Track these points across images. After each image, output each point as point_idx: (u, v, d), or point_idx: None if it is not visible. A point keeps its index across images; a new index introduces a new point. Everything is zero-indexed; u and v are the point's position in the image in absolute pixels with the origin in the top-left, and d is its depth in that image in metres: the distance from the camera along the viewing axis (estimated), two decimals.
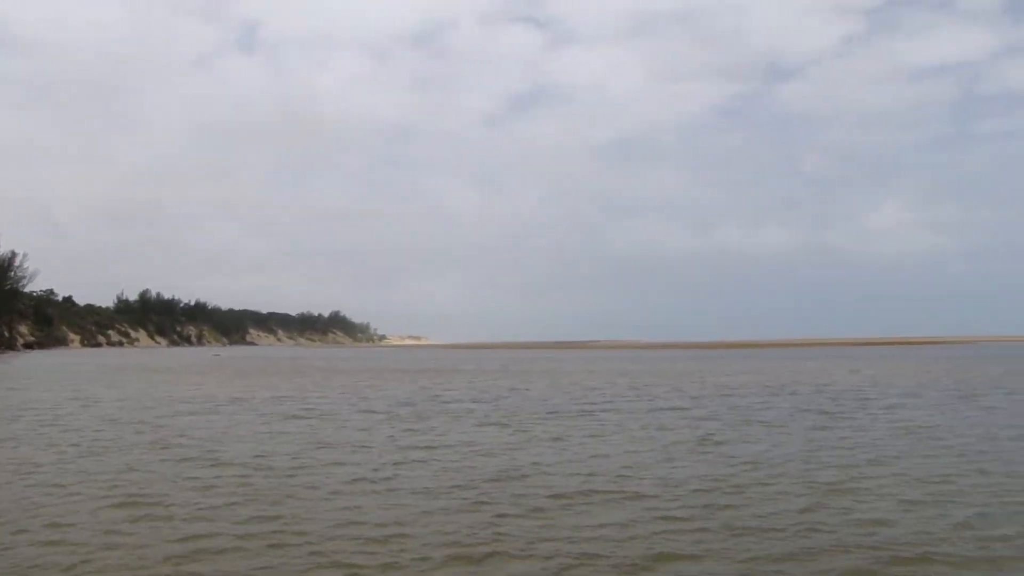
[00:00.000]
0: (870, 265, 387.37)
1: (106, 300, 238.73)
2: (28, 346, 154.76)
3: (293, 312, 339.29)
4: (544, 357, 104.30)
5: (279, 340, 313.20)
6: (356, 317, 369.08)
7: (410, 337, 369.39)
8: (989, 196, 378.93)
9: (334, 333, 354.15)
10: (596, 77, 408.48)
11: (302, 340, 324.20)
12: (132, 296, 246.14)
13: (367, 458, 16.79)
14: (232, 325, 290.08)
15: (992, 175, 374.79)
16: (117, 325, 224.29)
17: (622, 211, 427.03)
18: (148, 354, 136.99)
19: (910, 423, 22.48)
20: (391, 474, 14.84)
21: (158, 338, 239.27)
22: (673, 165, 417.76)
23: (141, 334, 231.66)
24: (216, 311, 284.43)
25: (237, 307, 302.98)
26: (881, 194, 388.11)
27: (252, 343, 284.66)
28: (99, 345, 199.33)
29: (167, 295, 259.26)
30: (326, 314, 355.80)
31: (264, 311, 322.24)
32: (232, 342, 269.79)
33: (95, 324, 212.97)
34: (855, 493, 12.82)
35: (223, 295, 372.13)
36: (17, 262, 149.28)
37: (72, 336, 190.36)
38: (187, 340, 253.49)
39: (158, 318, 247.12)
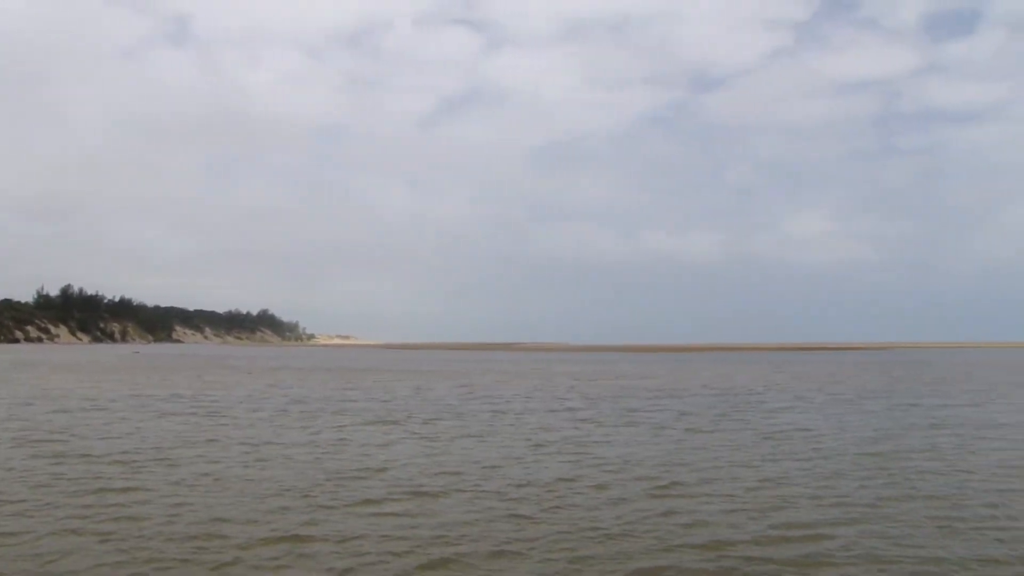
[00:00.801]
0: (793, 272, 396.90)
1: (26, 295, 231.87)
2: None
3: (221, 310, 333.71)
4: (467, 358, 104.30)
5: (206, 338, 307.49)
6: (286, 316, 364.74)
7: (339, 336, 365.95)
8: (908, 208, 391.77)
9: (262, 332, 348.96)
10: (531, 81, 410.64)
11: (229, 339, 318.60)
12: (54, 292, 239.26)
13: (227, 455, 16.74)
14: (158, 323, 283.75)
15: (910, 188, 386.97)
16: (37, 321, 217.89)
17: (553, 215, 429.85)
18: (66, 351, 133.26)
19: (787, 426, 23.04)
20: (241, 472, 14.83)
21: (80, 335, 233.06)
22: (604, 171, 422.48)
23: (62, 330, 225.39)
24: (141, 308, 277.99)
25: (164, 305, 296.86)
26: (804, 204, 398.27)
27: (178, 341, 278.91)
28: (16, 341, 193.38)
29: (91, 291, 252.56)
30: (255, 312, 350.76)
31: (191, 309, 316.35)
32: (157, 340, 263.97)
33: (13, 320, 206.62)
34: (693, 497, 13.16)
35: (150, 293, 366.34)
36: None
37: None
38: (110, 337, 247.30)
39: (81, 315, 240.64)
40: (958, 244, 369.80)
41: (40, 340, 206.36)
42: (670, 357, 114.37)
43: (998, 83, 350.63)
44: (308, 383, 43.41)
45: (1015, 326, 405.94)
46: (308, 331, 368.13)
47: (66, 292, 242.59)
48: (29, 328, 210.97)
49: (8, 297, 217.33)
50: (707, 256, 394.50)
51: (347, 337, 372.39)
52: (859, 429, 22.23)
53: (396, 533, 10.50)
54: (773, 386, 42.07)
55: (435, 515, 11.50)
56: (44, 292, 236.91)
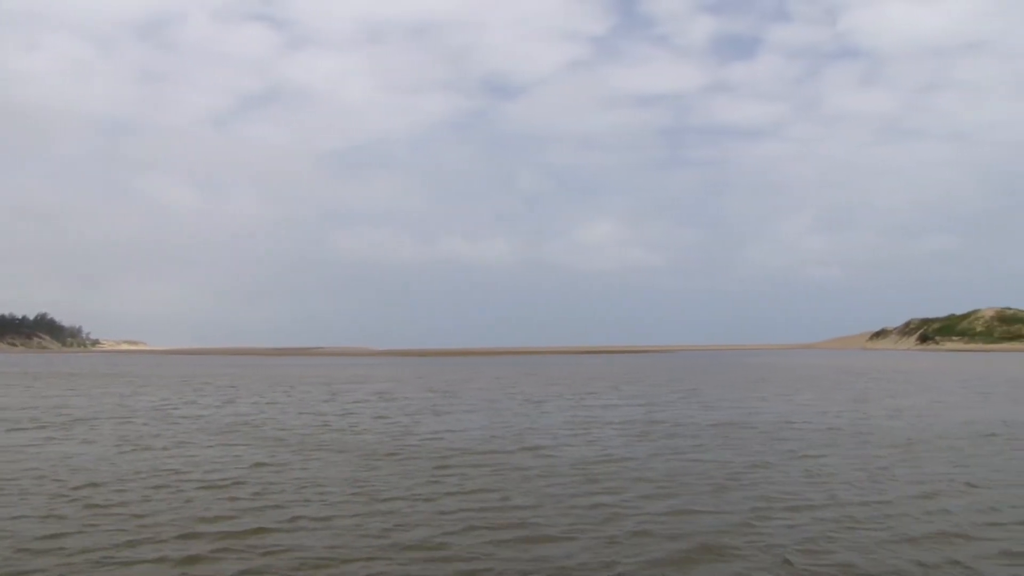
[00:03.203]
0: (585, 278, 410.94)
1: None
2: None
3: None
4: (243, 363, 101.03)
5: None
6: (68, 320, 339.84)
7: (127, 342, 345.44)
8: (694, 217, 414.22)
9: (40, 338, 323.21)
10: (330, 83, 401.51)
11: (3, 345, 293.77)
12: None
13: None
14: None
15: (697, 198, 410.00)
16: None
17: (350, 219, 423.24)
18: None
19: (392, 425, 23.27)
20: None
21: None
22: (401, 175, 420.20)
23: None
24: None
25: None
26: (596, 212, 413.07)
27: None
28: None
29: None
30: (31, 316, 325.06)
31: None
32: None
33: None
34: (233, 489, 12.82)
35: None
36: None
37: None
38: None
39: None
40: (739, 253, 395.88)
41: None
42: (455, 361, 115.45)
43: (776, 104, 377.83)
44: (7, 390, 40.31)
45: (787, 330, 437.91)
46: (93, 336, 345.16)
47: None
48: None
49: None
50: (502, 262, 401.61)
51: (135, 343, 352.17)
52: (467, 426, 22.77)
53: None
54: (455, 389, 42.94)
55: None
56: None
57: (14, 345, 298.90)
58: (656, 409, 28.67)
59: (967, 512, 11.45)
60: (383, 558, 9.40)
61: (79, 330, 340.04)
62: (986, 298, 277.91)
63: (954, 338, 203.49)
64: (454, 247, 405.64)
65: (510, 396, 36.41)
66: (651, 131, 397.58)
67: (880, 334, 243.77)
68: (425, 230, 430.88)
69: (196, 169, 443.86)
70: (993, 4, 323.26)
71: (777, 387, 42.52)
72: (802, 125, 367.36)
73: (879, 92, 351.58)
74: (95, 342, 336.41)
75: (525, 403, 32.12)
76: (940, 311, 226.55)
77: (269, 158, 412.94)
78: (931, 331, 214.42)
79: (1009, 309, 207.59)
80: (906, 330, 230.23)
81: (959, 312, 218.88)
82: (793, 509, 11.66)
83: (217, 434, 21.42)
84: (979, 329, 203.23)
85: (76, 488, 13.49)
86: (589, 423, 24.05)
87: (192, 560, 9.31)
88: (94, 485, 13.76)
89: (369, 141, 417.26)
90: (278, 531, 10.61)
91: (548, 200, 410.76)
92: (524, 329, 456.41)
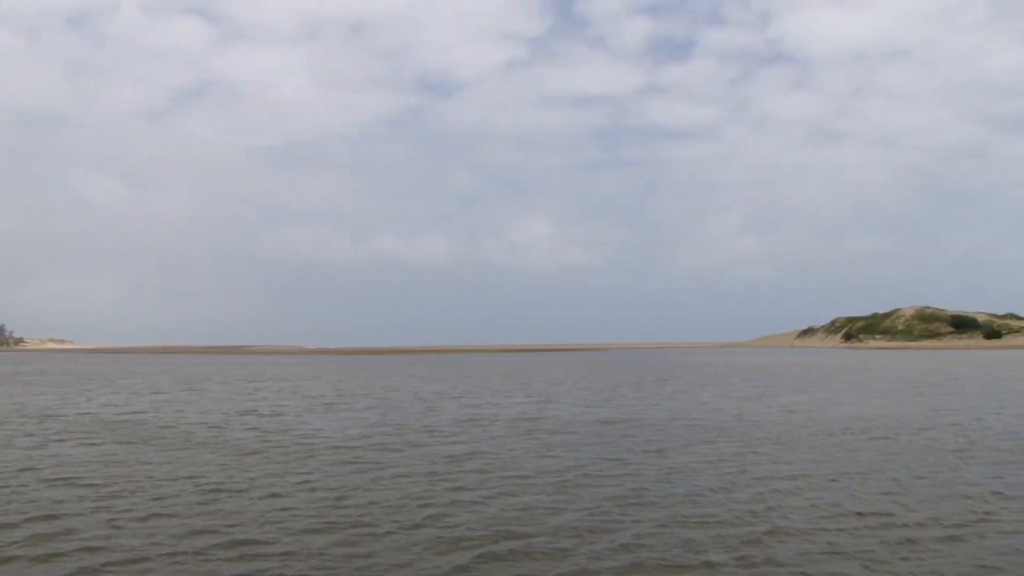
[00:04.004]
0: (520, 277, 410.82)
1: None
2: None
3: None
4: (165, 362, 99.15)
5: None
6: None
7: (53, 340, 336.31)
8: (627, 217, 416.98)
9: None
10: (265, 78, 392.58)
11: None
12: None
13: None
14: None
15: (631, 199, 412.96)
16: None
17: (284, 216, 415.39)
18: None
19: (277, 422, 23.15)
20: None
21: None
22: (337, 173, 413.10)
23: None
24: None
25: None
26: (531, 211, 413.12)
27: None
28: None
29: None
30: None
31: None
32: None
33: None
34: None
35: None
36: None
37: None
38: None
39: None
40: (672, 252, 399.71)
41: None
42: (384, 359, 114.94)
43: (710, 106, 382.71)
44: None
45: (719, 329, 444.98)
46: (16, 335, 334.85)
47: None
48: None
49: None
50: (438, 260, 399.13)
51: (62, 341, 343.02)
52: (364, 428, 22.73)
53: None
54: (345, 389, 42.82)
55: None
56: None
57: None
58: (551, 407, 28.93)
59: (796, 509, 11.81)
60: (187, 553, 9.34)
61: (1, 328, 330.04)
62: (908, 297, 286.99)
63: (877, 336, 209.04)
64: (390, 245, 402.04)
65: (416, 393, 36.42)
66: (586, 131, 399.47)
67: (807, 332, 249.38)
68: (361, 228, 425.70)
69: (127, 164, 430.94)
70: (916, 14, 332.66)
71: (686, 384, 43.23)
72: (734, 127, 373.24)
73: (808, 96, 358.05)
74: (19, 341, 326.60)
75: (427, 400, 32.16)
76: (865, 310, 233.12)
77: (202, 154, 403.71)
78: (855, 330, 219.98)
79: (928, 308, 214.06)
80: (832, 328, 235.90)
81: (882, 311, 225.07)
82: (635, 506, 11.87)
83: (93, 432, 21.05)
84: (900, 328, 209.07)
85: None
86: (479, 420, 24.19)
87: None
88: None
89: (305, 138, 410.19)
90: (88, 529, 10.48)
91: (484, 199, 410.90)
92: (459, 327, 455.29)
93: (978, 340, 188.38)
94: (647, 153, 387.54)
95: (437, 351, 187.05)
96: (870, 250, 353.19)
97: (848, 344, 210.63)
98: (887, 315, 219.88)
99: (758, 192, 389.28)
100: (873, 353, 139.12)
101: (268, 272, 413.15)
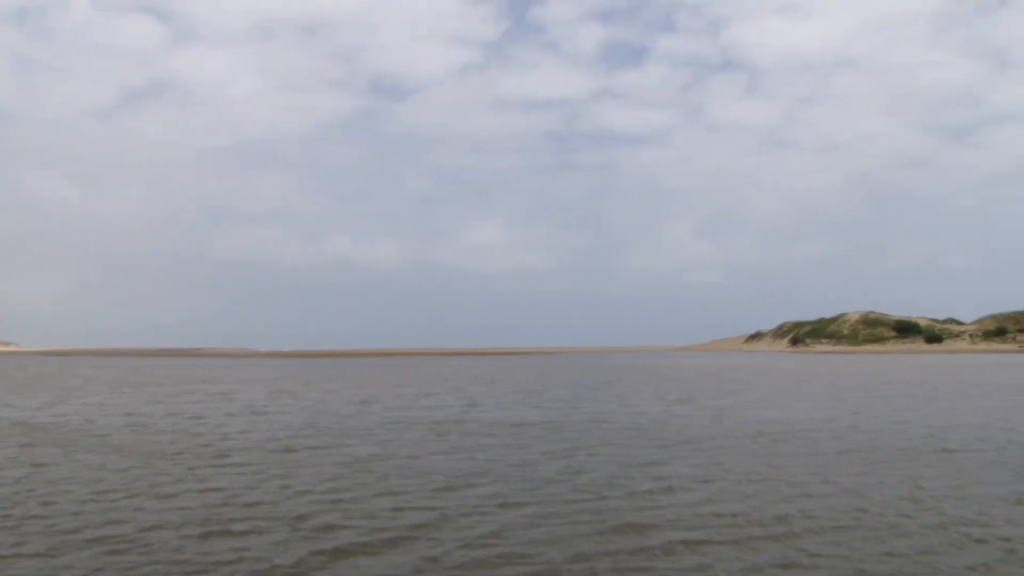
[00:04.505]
0: (473, 280, 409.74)
1: None
2: None
3: None
4: (108, 364, 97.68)
5: None
6: None
7: None
8: (580, 221, 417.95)
9: None
10: (218, 79, 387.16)
11: None
12: None
13: None
14: None
15: (584, 203, 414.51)
16: None
17: (236, 217, 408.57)
18: None
19: (201, 425, 23.22)
20: None
21: None
22: (289, 174, 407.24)
23: None
24: None
25: None
26: (484, 214, 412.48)
27: None
28: None
29: None
30: None
31: None
32: None
33: None
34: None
35: None
36: None
37: None
38: None
39: None
40: (624, 257, 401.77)
41: None
42: (332, 362, 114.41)
43: (662, 112, 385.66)
44: None
45: (670, 333, 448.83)
46: None
47: None
48: None
49: None
50: (390, 263, 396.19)
51: (7, 344, 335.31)
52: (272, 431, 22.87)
53: None
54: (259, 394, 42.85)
55: None
56: None
57: None
58: (477, 409, 29.26)
59: (684, 506, 12.26)
60: (67, 554, 9.49)
61: None
62: (854, 302, 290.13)
63: (823, 340, 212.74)
64: (342, 248, 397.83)
65: (351, 396, 36.51)
66: (540, 136, 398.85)
67: (756, 337, 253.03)
68: (313, 230, 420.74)
69: (76, 163, 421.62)
70: (864, 26, 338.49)
71: (623, 387, 43.78)
72: (687, 133, 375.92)
73: (760, 103, 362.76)
74: None
75: (358, 403, 32.29)
76: (813, 315, 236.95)
77: (153, 154, 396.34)
78: (802, 334, 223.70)
79: (873, 313, 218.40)
80: (779, 333, 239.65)
81: (828, 316, 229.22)
82: (503, 507, 12.20)
83: (10, 436, 20.92)
84: (845, 332, 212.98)
85: None
86: (403, 422, 24.42)
87: None
88: None
89: (257, 139, 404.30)
90: None
91: (437, 202, 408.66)
92: (412, 330, 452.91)
93: (920, 344, 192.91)
94: (601, 157, 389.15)
95: (388, 354, 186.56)
96: (818, 256, 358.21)
97: (795, 348, 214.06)
98: (833, 320, 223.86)
99: (710, 197, 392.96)
100: (818, 357, 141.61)
101: (220, 274, 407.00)
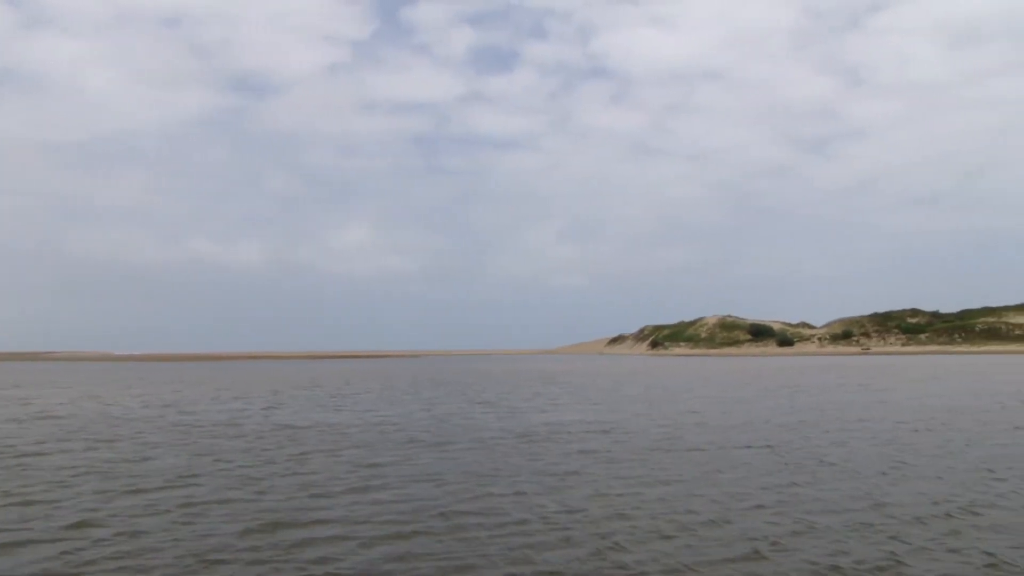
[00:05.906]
0: (337, 282, 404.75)
1: None
2: None
3: None
4: None
5: None
6: None
7: None
8: (447, 225, 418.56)
9: None
10: (71, 69, 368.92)
11: None
12: None
13: None
14: None
15: (451, 206, 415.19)
16: None
17: (90, 215, 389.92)
18: None
19: None
20: None
21: None
22: (147, 172, 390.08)
23: None
24: None
25: None
26: (349, 216, 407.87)
27: None
28: None
29: None
30: None
31: None
32: None
33: None
34: None
35: None
36: None
37: None
38: None
39: None
40: (490, 260, 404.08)
41: None
42: (184, 366, 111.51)
43: (531, 117, 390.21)
44: None
45: (534, 336, 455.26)
46: None
47: None
48: None
49: None
50: (252, 264, 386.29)
51: None
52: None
53: None
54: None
55: None
56: None
57: None
58: (276, 412, 29.54)
59: (453, 496, 12.99)
60: None
61: None
62: (713, 307, 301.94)
63: (681, 344, 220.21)
64: (202, 248, 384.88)
65: (160, 400, 35.99)
66: (408, 138, 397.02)
67: (617, 340, 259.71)
68: (172, 229, 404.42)
69: None
70: (728, 39, 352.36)
71: (448, 391, 44.60)
72: (555, 138, 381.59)
73: (627, 111, 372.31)
74: None
75: (159, 407, 31.99)
76: (674, 318, 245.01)
77: None
78: (661, 337, 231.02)
79: (729, 317, 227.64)
80: (640, 336, 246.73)
81: (688, 319, 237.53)
82: (209, 503, 12.70)
83: None
84: (703, 335, 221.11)
85: None
86: (194, 425, 24.65)
87: None
88: None
89: (113, 134, 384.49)
90: None
91: (302, 203, 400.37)
92: (276, 333, 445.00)
93: (772, 347, 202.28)
94: (468, 161, 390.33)
95: (250, 357, 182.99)
96: (681, 262, 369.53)
97: (654, 351, 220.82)
98: (692, 323, 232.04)
99: (577, 203, 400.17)
100: (675, 360, 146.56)
101: (72, 273, 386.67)
